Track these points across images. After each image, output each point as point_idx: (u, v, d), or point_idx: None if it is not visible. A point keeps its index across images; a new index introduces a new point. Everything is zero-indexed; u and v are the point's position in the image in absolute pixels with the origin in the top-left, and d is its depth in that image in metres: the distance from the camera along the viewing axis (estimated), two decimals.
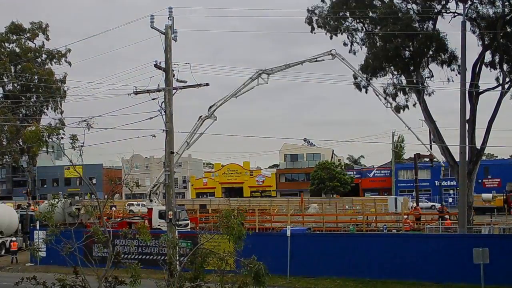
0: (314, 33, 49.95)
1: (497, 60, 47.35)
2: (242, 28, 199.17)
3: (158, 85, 32.27)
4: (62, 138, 16.14)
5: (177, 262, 16.93)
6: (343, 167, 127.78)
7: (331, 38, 49.65)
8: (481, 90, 47.62)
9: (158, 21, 32.17)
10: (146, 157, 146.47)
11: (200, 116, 51.50)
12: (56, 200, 16.63)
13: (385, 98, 51.16)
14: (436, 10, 46.84)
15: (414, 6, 47.53)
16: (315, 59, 54.67)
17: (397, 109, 50.28)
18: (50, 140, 16.53)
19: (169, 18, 32.46)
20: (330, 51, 53.38)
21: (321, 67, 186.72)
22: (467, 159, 44.96)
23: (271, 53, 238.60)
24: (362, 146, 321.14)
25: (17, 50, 74.75)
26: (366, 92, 50.32)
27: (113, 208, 79.57)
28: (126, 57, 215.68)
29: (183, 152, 54.06)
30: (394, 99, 49.63)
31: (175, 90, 32.38)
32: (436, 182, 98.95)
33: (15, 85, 74.25)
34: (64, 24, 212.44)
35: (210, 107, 51.69)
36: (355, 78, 50.82)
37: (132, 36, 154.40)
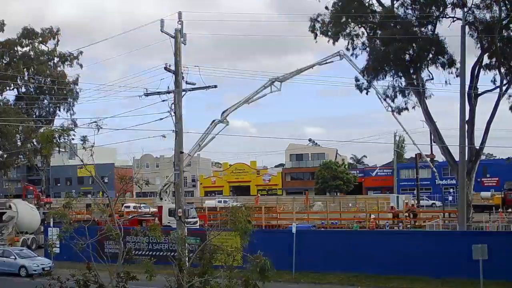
0: (316, 41, 50.15)
1: (494, 63, 47.39)
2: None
3: (168, 87, 32.38)
4: (73, 139, 16.22)
5: (186, 258, 16.99)
6: (346, 166, 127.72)
7: (334, 44, 49.83)
8: (480, 92, 47.71)
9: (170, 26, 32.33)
10: (156, 157, 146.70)
11: (214, 121, 51.13)
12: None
13: (385, 100, 51.36)
14: (435, 16, 46.92)
15: (415, 12, 47.66)
16: (325, 61, 54.47)
17: (398, 111, 50.45)
18: (63, 140, 16.60)
19: (179, 23, 32.58)
20: (338, 52, 53.10)
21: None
22: (466, 158, 44.93)
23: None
24: (365, 146, 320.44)
25: (31, 53, 74.76)
26: (367, 93, 50.41)
27: (125, 207, 79.58)
28: (137, 59, 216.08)
29: (194, 153, 53.93)
30: (393, 100, 49.82)
31: (184, 92, 32.48)
32: (436, 181, 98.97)
33: (29, 87, 74.32)
34: (76, 28, 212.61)
35: (223, 112, 51.34)
36: (357, 80, 50.85)
37: (144, 39, 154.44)
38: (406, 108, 49.69)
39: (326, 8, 48.89)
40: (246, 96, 52.06)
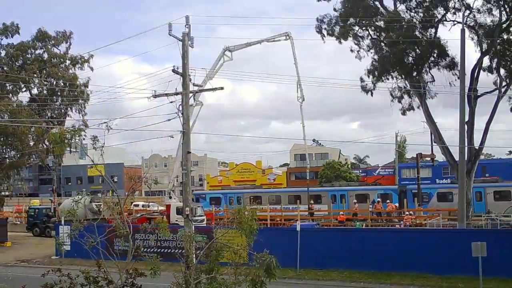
0: (324, 41, 50.15)
1: (494, 65, 47.37)
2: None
3: (176, 88, 32.37)
4: (84, 139, 16.17)
5: (194, 255, 16.94)
6: (349, 166, 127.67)
7: (340, 42, 49.88)
8: (479, 94, 47.63)
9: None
10: (164, 157, 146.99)
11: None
12: (80, 197, 16.73)
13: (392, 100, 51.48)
14: (437, 19, 46.89)
15: (417, 15, 47.62)
16: (273, 39, 57.20)
17: (403, 111, 50.44)
18: (74, 141, 16.60)
19: (186, 26, 32.56)
20: (286, 32, 55.95)
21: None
22: (466, 158, 44.83)
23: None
24: (367, 146, 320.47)
25: (44, 56, 74.72)
26: (372, 95, 50.30)
27: (134, 205, 79.87)
28: (146, 62, 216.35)
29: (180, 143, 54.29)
30: (400, 101, 49.76)
31: (191, 94, 32.48)
32: (436, 180, 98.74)
33: (41, 88, 74.23)
34: (90, 33, 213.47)
35: (194, 95, 51.73)
36: (362, 81, 50.78)
37: (153, 43, 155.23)
38: (410, 109, 49.87)
39: (335, 10, 48.98)
40: (207, 72, 52.85)
